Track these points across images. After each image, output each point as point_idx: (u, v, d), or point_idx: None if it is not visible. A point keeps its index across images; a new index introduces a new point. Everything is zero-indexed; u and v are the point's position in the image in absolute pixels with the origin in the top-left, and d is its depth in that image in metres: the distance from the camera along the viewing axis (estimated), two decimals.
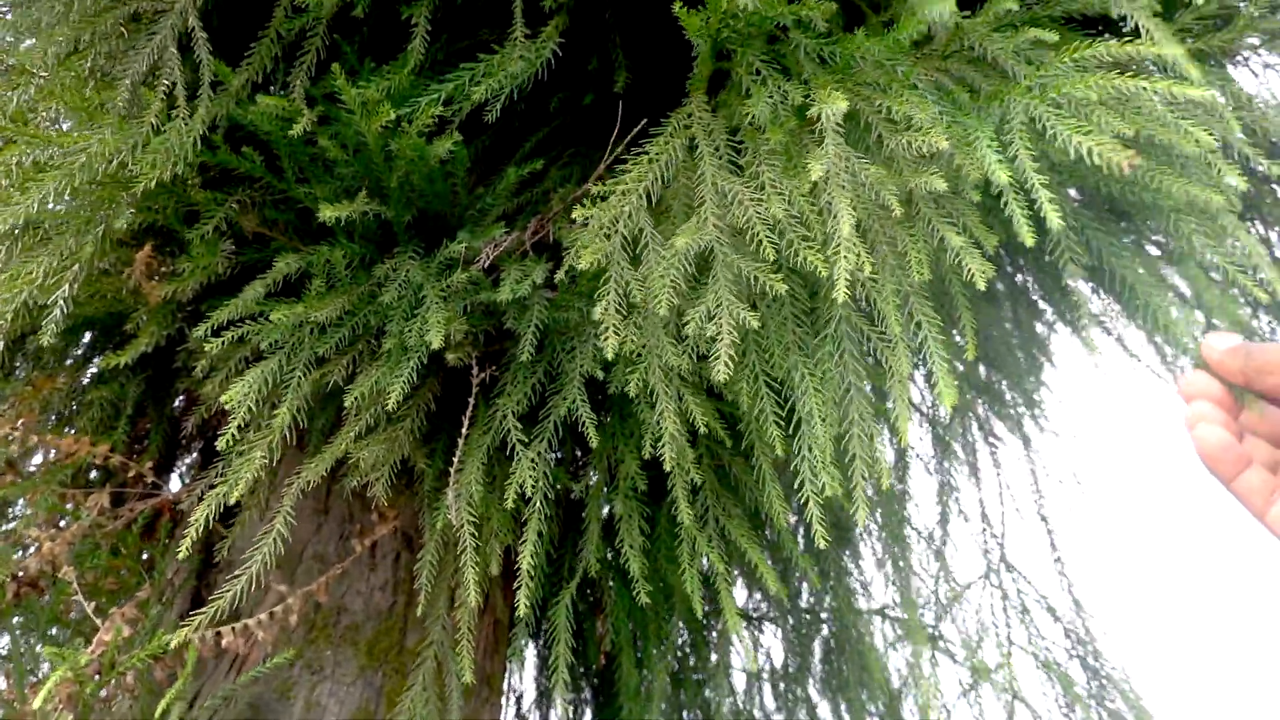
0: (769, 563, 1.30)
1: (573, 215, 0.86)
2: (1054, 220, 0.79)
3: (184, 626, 1.07)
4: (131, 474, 1.23)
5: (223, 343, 1.01)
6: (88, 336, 1.33)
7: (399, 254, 1.18)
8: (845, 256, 0.80)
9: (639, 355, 0.99)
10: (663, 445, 0.97)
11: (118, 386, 1.28)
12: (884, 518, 1.61)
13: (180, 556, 0.99)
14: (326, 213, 1.01)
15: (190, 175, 1.14)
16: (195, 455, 1.43)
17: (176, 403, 1.36)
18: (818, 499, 0.96)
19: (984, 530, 1.63)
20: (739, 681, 1.87)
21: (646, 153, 0.93)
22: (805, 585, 1.74)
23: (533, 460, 1.03)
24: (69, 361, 1.32)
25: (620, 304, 0.86)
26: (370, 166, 1.15)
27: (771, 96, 0.93)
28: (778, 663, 1.80)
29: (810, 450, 0.90)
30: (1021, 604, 1.60)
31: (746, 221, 0.81)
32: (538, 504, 1.05)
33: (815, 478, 0.90)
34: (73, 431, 1.25)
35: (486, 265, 1.09)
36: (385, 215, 1.17)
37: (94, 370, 1.29)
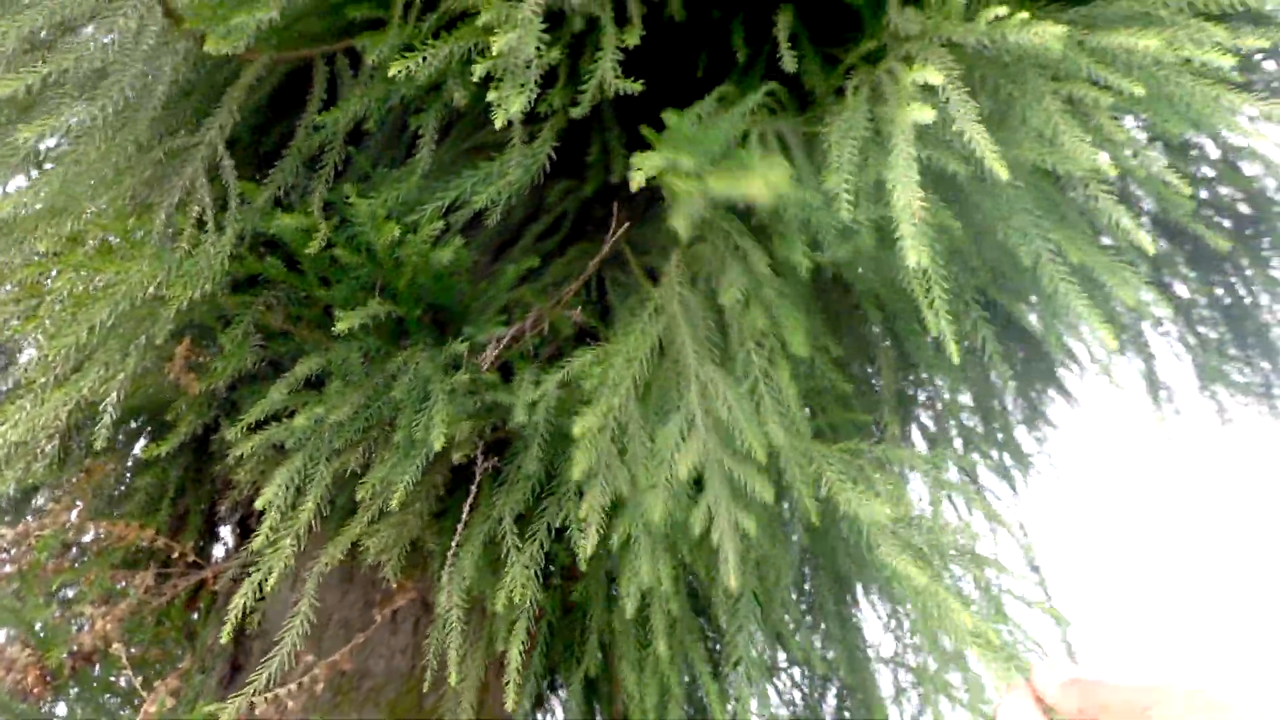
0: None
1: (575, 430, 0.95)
2: None
3: (224, 698, 1.18)
4: (175, 554, 1.35)
5: (252, 446, 1.13)
6: (133, 424, 1.46)
7: (412, 346, 1.29)
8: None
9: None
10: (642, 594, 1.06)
11: (161, 471, 1.40)
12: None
13: (222, 640, 1.10)
14: (341, 325, 1.12)
15: (219, 287, 1.26)
16: (233, 528, 1.55)
17: (215, 484, 1.48)
18: None
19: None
20: None
21: (626, 341, 1.04)
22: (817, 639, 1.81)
23: (525, 565, 1.12)
24: (116, 448, 1.44)
25: (603, 502, 0.96)
26: (381, 270, 1.26)
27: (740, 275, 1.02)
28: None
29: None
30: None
31: (730, 416, 0.90)
32: (529, 602, 1.14)
33: None
34: (120, 514, 1.37)
35: (489, 364, 1.19)
36: (397, 313, 1.28)
37: (139, 457, 1.42)
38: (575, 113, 1.18)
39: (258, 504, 1.06)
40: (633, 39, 1.11)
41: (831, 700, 1.82)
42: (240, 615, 1.10)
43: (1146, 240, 0.99)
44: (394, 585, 1.42)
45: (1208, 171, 1.82)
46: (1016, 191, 1.11)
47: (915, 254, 0.94)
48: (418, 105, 1.41)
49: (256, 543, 1.07)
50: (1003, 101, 1.14)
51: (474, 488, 1.20)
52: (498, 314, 1.32)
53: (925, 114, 0.94)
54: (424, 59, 1.12)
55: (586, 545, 0.94)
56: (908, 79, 1.03)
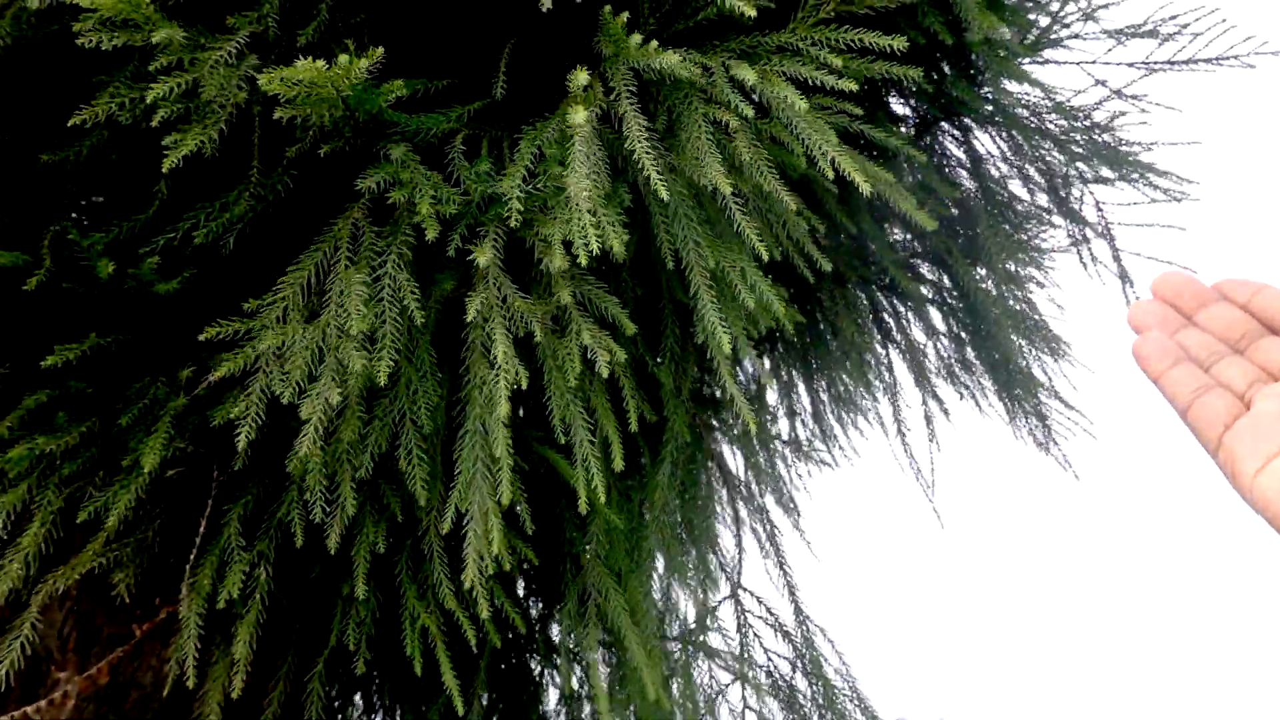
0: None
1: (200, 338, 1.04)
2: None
3: None
4: None
5: None
6: None
7: (147, 379, 1.35)
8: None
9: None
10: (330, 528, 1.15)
11: None
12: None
13: None
14: (50, 360, 1.17)
15: None
16: None
17: None
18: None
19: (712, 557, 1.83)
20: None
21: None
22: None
23: (252, 561, 1.20)
24: None
25: (262, 401, 1.05)
26: (109, 304, 1.31)
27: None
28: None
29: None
30: (747, 623, 1.79)
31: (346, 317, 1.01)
32: (256, 600, 1.22)
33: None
34: None
35: (209, 385, 1.26)
36: (130, 342, 1.34)
37: None
38: (290, 151, 1.26)
39: None
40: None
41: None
42: None
43: (763, 249, 1.10)
44: (157, 600, 1.48)
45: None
46: (680, 198, 1.22)
47: (594, 241, 1.02)
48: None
49: None
50: (674, 121, 1.25)
51: (209, 501, 1.27)
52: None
53: (580, 114, 1.04)
54: (133, 101, 1.18)
55: (241, 438, 1.03)
56: (577, 82, 1.12)
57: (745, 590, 1.79)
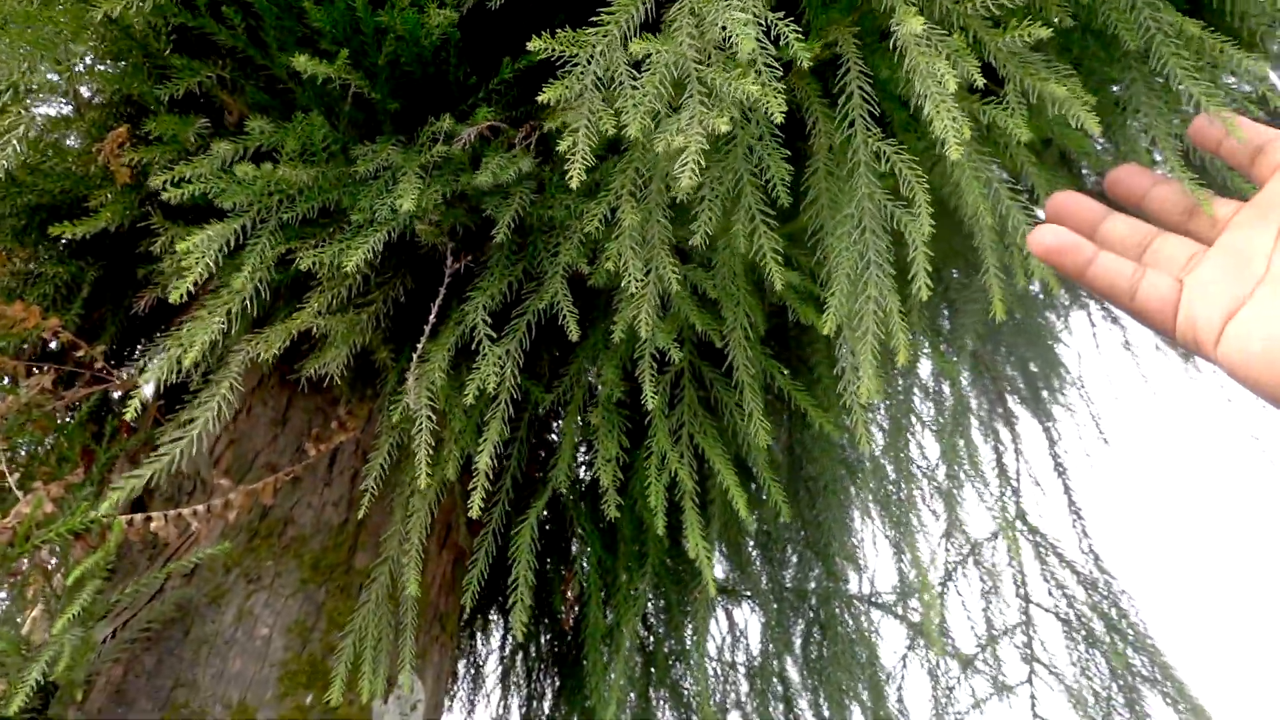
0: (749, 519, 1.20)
1: (529, 47, 0.78)
2: None
3: (115, 510, 0.99)
4: (81, 354, 1.15)
5: (182, 194, 0.94)
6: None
7: (381, 141, 1.12)
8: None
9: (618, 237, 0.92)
10: (641, 346, 0.90)
11: (75, 268, 1.21)
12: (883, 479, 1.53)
13: (127, 416, 0.91)
14: (301, 63, 0.94)
15: (164, 42, 1.08)
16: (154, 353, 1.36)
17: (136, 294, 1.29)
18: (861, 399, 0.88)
19: (1000, 488, 1.54)
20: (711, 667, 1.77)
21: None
22: (793, 565, 1.65)
23: (500, 358, 0.95)
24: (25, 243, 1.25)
25: (589, 135, 0.79)
26: (359, 41, 1.09)
27: None
28: (754, 648, 1.70)
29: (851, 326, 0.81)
30: (1039, 557, 1.50)
31: (726, 37, 0.73)
32: (503, 401, 0.97)
33: (855, 355, 0.80)
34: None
35: (467, 146, 1.02)
36: (370, 96, 1.11)
37: (50, 245, 1.22)
38: None
39: (179, 246, 0.88)
40: None
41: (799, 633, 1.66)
42: (152, 411, 0.92)
43: None
44: (334, 424, 1.24)
45: None
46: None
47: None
48: None
49: (174, 296, 0.88)
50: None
51: (443, 288, 1.03)
52: (489, 109, 1.15)
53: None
54: None
55: (573, 178, 0.76)
56: None
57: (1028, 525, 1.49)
